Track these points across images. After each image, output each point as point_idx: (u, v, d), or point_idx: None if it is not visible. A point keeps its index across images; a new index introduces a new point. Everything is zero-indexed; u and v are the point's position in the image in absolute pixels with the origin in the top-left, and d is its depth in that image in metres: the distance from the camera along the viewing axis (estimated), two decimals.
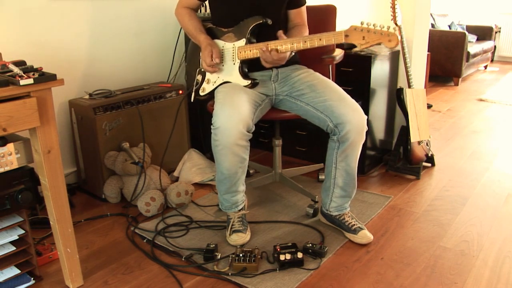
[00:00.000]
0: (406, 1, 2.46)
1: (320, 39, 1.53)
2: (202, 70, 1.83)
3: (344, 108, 1.61)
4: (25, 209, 1.43)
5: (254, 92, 1.75)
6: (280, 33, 1.63)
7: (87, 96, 2.23)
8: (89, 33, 2.32)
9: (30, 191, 1.37)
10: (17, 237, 1.42)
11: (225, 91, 1.68)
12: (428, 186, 2.25)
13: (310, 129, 2.53)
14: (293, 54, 1.75)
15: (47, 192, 1.36)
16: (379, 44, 1.42)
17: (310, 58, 2.00)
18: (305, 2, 1.88)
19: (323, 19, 2.07)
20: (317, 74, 1.84)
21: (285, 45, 1.60)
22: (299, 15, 1.87)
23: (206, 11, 2.58)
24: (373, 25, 1.43)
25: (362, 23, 1.44)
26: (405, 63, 2.32)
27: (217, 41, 1.79)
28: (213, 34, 1.82)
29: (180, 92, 2.46)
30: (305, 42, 1.56)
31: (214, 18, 1.87)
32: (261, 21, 1.70)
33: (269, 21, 1.70)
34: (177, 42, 2.69)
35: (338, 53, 2.03)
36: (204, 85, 1.84)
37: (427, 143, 2.40)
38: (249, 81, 1.71)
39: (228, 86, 1.73)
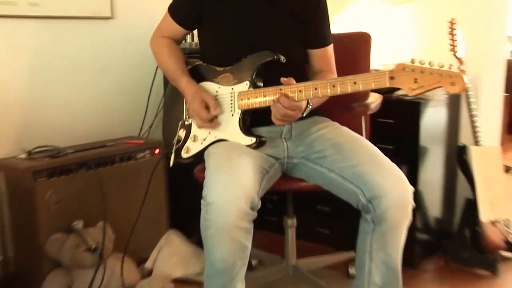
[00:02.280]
0: (471, 22, 2.48)
1: (355, 83, 1.58)
2: (187, 123, 1.92)
3: (381, 176, 1.65)
4: None
5: (259, 154, 1.81)
6: (287, 80, 1.71)
7: (24, 155, 2.28)
8: (30, 67, 2.39)
9: None
10: None
11: (220, 152, 1.74)
12: (510, 286, 2.24)
13: (335, 203, 2.39)
14: (310, 106, 1.83)
15: None
16: (438, 88, 1.45)
17: (335, 107, 2.05)
18: (331, 42, 2.00)
19: (353, 52, 2.17)
20: (344, 128, 1.91)
21: (305, 91, 1.67)
22: (324, 58, 1.99)
23: (192, 40, 2.72)
24: (429, 63, 1.46)
25: (413, 61, 1.49)
26: (470, 111, 2.35)
27: (209, 84, 1.89)
28: (202, 75, 1.91)
29: (157, 151, 2.51)
30: (334, 86, 1.62)
31: (205, 53, 1.98)
32: (271, 58, 1.79)
33: (282, 58, 1.79)
34: (152, 82, 2.77)
35: (374, 100, 2.13)
36: (189, 143, 1.90)
37: (506, 224, 2.39)
38: (254, 139, 1.78)
39: (223, 145, 1.80)
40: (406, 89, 1.48)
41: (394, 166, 1.70)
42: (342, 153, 1.77)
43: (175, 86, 1.97)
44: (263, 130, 1.87)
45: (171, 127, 2.00)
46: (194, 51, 2.19)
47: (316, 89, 1.65)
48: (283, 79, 1.68)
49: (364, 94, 2.15)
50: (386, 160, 1.72)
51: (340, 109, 2.08)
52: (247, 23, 1.89)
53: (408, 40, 2.91)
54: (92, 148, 2.44)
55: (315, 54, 2.00)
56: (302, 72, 1.96)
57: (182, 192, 2.64)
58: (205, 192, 1.61)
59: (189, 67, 1.97)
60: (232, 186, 1.58)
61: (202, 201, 1.62)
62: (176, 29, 1.99)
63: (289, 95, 1.68)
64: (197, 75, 1.92)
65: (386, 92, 2.48)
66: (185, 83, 1.87)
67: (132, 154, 2.47)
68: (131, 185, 2.46)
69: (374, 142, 1.86)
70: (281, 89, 1.70)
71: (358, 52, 2.17)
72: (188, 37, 2.69)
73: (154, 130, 2.82)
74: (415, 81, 1.46)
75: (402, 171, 1.70)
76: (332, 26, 2.06)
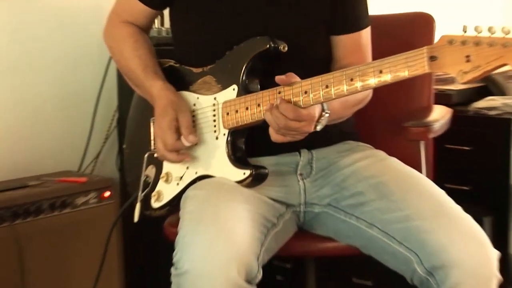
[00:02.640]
0: None
1: (380, 72, 1.59)
2: (156, 155, 1.96)
3: (448, 235, 1.66)
4: None
5: (261, 198, 1.84)
6: (286, 77, 1.73)
7: None
8: None
9: None
10: None
11: (202, 196, 1.78)
12: None
13: (379, 275, 2.56)
14: (326, 113, 1.80)
15: None
16: (501, 66, 1.42)
17: (379, 126, 2.11)
18: (368, 24, 2.06)
19: (408, 39, 2.22)
20: (393, 161, 1.96)
21: (313, 92, 1.68)
22: (356, 48, 2.04)
23: (162, 25, 2.83)
24: (489, 29, 1.42)
25: (465, 29, 1.47)
26: None
27: (185, 93, 1.96)
28: (173, 82, 1.97)
29: (107, 194, 2.55)
30: (352, 80, 1.63)
31: (179, 45, 2.07)
32: (267, 47, 1.83)
33: (282, 46, 1.82)
34: (101, 89, 2.93)
35: (439, 116, 2.16)
36: (161, 186, 1.97)
37: None
38: (247, 172, 1.80)
39: (207, 185, 1.84)
40: (455, 73, 1.47)
41: (469, 219, 1.71)
42: (389, 198, 1.79)
43: (140, 96, 2.06)
44: (267, 161, 1.90)
45: (132, 160, 2.07)
46: (164, 42, 2.28)
47: (327, 86, 1.66)
48: (278, 78, 1.70)
49: (424, 107, 2.17)
50: (457, 210, 1.73)
51: (386, 130, 2.14)
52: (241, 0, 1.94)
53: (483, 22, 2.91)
54: (6, 189, 2.46)
55: (343, 42, 2.03)
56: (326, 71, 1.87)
57: (146, 258, 2.67)
58: (177, 255, 1.62)
59: (161, 68, 2.04)
60: (218, 246, 1.59)
61: (173, 270, 1.63)
62: (140, 10, 2.05)
63: (292, 100, 1.69)
64: (170, 81, 1.97)
65: (458, 104, 2.46)
66: (158, 90, 1.92)
67: (68, 199, 2.51)
68: (67, 247, 2.48)
69: (440, 182, 1.87)
70: (279, 92, 1.73)
71: (416, 39, 2.21)
72: (157, 21, 2.80)
73: (103, 162, 2.93)
74: (467, 59, 1.45)
75: (484, 226, 1.77)
76: (376, 3, 2.12)
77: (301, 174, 1.96)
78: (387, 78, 1.58)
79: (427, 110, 2.21)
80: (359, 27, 2.03)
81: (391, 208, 1.77)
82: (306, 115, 1.68)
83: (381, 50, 1.92)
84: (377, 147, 2.05)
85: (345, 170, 1.92)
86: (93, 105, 2.84)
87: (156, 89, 1.91)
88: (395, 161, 1.94)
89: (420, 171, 1.97)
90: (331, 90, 1.66)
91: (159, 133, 1.86)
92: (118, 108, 2.89)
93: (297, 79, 1.70)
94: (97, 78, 2.80)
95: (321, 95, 1.67)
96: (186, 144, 1.83)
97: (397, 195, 1.79)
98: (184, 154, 1.85)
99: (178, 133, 1.83)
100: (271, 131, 1.72)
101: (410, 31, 2.29)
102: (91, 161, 2.92)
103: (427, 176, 1.98)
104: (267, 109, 1.70)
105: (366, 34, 2.04)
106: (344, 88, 1.64)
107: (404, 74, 1.54)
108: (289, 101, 1.68)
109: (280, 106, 1.67)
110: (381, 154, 1.99)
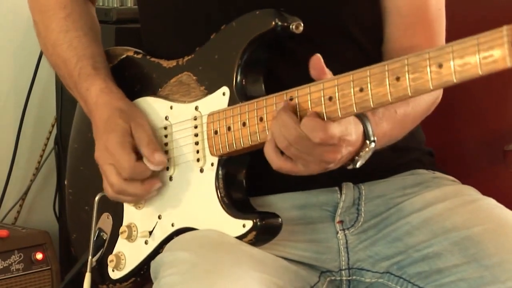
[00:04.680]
0: None
1: (439, 66, 1.28)
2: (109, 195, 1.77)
3: None
4: None
5: (277, 259, 1.58)
6: (317, 63, 1.43)
7: None
8: None
9: None
10: None
11: (187, 261, 1.50)
12: None
13: None
14: (372, 141, 1.50)
15: None
16: None
17: (466, 148, 2.03)
18: None
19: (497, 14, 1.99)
20: (488, 202, 1.66)
21: (342, 99, 1.39)
22: (422, 15, 1.74)
23: None
24: None
25: None
26: None
27: (149, 101, 1.72)
28: (136, 81, 1.78)
29: (38, 257, 2.40)
30: (398, 79, 1.32)
31: (145, 29, 1.85)
32: (271, 26, 1.54)
33: (296, 24, 1.52)
34: (28, 95, 2.65)
35: None
36: (121, 245, 1.73)
37: None
38: (248, 222, 1.53)
39: (192, 242, 1.60)
40: None
41: None
42: (482, 263, 1.49)
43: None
44: (288, 202, 1.63)
45: (79, 200, 1.87)
46: (129, 18, 2.19)
47: (361, 90, 1.35)
48: (313, 62, 1.39)
49: None
50: None
51: (479, 155, 2.01)
52: None
53: None
54: None
55: (399, 9, 1.71)
56: (370, 59, 1.56)
57: None
58: None
59: (114, 62, 1.81)
60: None
61: None
62: None
63: (309, 108, 1.42)
64: (127, 81, 1.75)
65: None
66: (96, 95, 1.67)
67: None
68: None
69: None
70: (291, 98, 1.45)
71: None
72: None
73: (32, 207, 2.75)
74: None
75: None
76: None
77: (341, 222, 1.63)
78: (451, 78, 1.25)
79: None
80: None
81: (485, 278, 1.48)
82: (339, 134, 1.39)
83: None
84: (463, 181, 1.74)
85: (413, 218, 1.61)
86: (17, 117, 2.60)
87: (93, 93, 1.68)
88: (491, 204, 1.63)
89: None
90: (367, 95, 1.35)
91: (105, 158, 1.63)
92: (56, 121, 2.66)
93: (327, 72, 1.41)
94: (23, 75, 2.54)
95: (354, 104, 1.37)
96: (151, 167, 1.59)
97: (495, 258, 1.50)
98: (151, 181, 1.60)
99: (135, 153, 1.60)
100: (272, 150, 1.44)
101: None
102: (14, 204, 2.68)
103: None
104: (278, 123, 1.44)
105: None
106: (387, 91, 1.33)
107: (477, 71, 1.22)
108: (310, 111, 1.44)
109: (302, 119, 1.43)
110: (470, 192, 1.69)
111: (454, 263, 1.49)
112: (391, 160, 1.65)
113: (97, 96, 1.66)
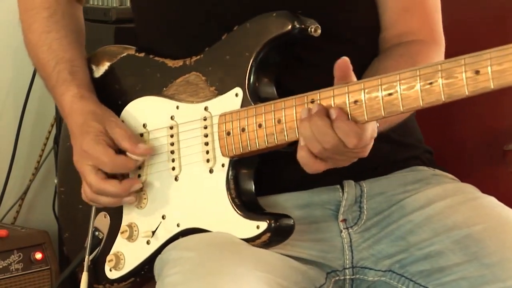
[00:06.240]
0: None
1: (477, 72, 1.26)
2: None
3: None
4: None
5: (282, 259, 1.58)
6: (343, 65, 1.43)
7: None
8: None
9: None
10: None
11: (192, 260, 1.51)
12: None
13: None
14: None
15: None
16: None
17: (466, 147, 2.04)
18: None
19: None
20: (489, 201, 1.67)
21: (369, 103, 1.38)
22: (416, 13, 1.76)
23: None
24: None
25: None
26: None
27: (151, 100, 1.72)
28: (136, 81, 1.77)
29: (38, 256, 2.40)
30: (431, 84, 1.30)
31: (142, 26, 1.84)
32: (288, 28, 1.54)
33: (314, 28, 1.53)
34: (27, 95, 2.67)
35: None
36: (120, 245, 1.73)
37: None
38: (263, 225, 1.52)
39: (197, 242, 1.60)
40: None
41: None
42: (483, 261, 1.51)
43: None
44: (291, 202, 1.63)
45: (71, 199, 1.85)
46: (129, 17, 2.08)
47: (390, 94, 1.36)
48: (339, 64, 1.40)
49: None
50: None
51: (479, 154, 2.01)
52: None
53: None
54: None
55: (393, 3, 1.75)
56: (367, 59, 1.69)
57: None
58: None
59: (113, 60, 1.80)
60: None
61: None
62: None
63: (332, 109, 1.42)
64: (127, 80, 1.76)
65: None
66: (70, 101, 1.67)
67: None
68: None
69: None
70: (312, 100, 1.44)
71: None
72: None
73: (32, 206, 2.75)
74: None
75: None
76: None
77: (344, 221, 1.64)
78: (488, 84, 1.24)
79: None
80: None
81: (486, 277, 1.50)
82: (370, 136, 1.42)
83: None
84: (463, 180, 1.75)
85: (415, 216, 1.62)
86: (16, 116, 2.62)
87: (66, 99, 1.69)
88: (492, 202, 1.64)
89: None
90: (397, 99, 1.36)
91: (83, 160, 1.64)
92: (56, 120, 2.64)
93: (352, 75, 1.42)
94: (23, 74, 2.56)
95: (382, 108, 1.37)
96: (136, 158, 1.61)
97: (495, 257, 1.51)
98: (130, 180, 1.63)
99: (113, 148, 1.63)
100: (307, 155, 1.42)
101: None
102: (13, 204, 2.66)
103: None
104: (303, 119, 1.42)
105: None
106: (419, 95, 1.33)
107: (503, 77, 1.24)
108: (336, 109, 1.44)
109: (336, 123, 1.40)
110: (471, 190, 1.69)
111: (455, 261, 1.51)
112: (390, 156, 1.65)
113: (71, 102, 1.68)
